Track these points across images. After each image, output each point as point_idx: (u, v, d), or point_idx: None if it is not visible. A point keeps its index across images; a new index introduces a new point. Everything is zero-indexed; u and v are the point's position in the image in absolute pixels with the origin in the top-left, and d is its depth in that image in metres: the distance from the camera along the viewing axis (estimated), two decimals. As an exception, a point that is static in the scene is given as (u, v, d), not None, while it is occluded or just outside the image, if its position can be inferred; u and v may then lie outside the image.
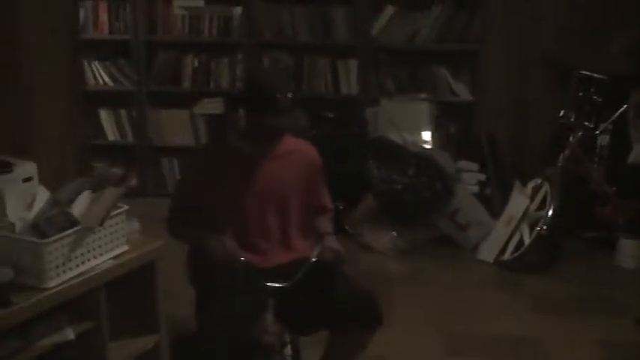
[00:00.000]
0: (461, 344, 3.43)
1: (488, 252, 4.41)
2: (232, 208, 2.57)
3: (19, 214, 2.10)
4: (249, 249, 2.54)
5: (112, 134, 5.36)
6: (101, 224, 2.14)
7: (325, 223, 2.73)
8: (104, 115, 5.32)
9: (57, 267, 2.02)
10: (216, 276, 2.46)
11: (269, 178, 2.59)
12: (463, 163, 4.83)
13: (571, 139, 4.41)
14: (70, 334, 2.12)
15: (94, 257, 2.16)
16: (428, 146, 4.82)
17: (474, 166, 4.83)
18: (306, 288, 2.46)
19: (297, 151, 2.66)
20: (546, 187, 4.35)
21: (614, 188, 4.35)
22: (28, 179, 2.19)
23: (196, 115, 5.28)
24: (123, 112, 5.32)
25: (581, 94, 4.45)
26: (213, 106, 5.25)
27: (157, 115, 5.30)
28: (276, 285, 2.41)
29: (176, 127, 5.31)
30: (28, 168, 2.19)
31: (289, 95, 2.44)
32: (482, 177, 4.80)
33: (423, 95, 4.98)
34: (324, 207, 2.78)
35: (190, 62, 5.23)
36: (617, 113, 4.34)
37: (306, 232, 2.72)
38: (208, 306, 2.40)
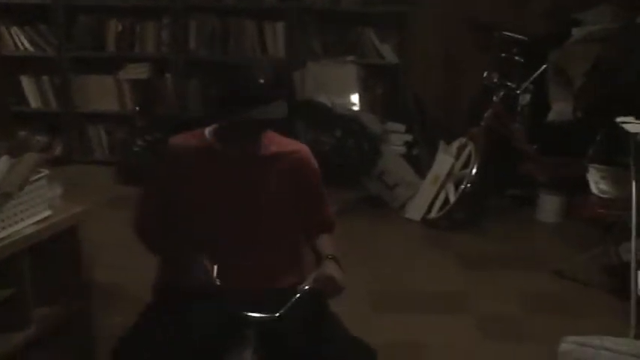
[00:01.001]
0: (390, 301, 3.52)
1: (415, 211, 4.52)
2: (203, 218, 2.20)
3: None
4: (225, 267, 2.06)
5: (34, 101, 5.23)
6: (21, 189, 2.11)
7: (326, 243, 2.24)
8: (26, 81, 5.18)
9: (-24, 233, 1.99)
10: (189, 301, 2.07)
11: (248, 186, 2.19)
12: (390, 125, 4.91)
13: (494, 99, 4.52)
14: (-9, 300, 2.10)
15: (15, 222, 2.13)
16: (355, 108, 4.87)
17: (401, 127, 4.92)
18: (293, 323, 2.06)
19: (285, 153, 2.21)
20: (470, 146, 4.47)
21: (535, 146, 4.53)
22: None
23: (121, 80, 5.19)
24: (45, 78, 5.18)
25: (503, 54, 4.56)
26: (138, 71, 5.17)
27: (81, 81, 5.19)
28: (259, 316, 2.00)
29: (101, 93, 5.22)
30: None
31: (273, 81, 2.03)
32: (409, 138, 4.90)
33: (349, 57, 5.02)
34: (323, 222, 2.31)
35: (114, 26, 5.12)
36: (537, 73, 4.48)
37: (299, 253, 2.32)
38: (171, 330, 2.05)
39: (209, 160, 2.18)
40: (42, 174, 2.24)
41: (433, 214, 4.46)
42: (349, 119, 4.61)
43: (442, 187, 4.51)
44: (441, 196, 4.50)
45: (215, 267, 2.03)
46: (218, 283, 2.00)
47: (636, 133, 3.20)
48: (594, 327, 2.60)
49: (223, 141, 2.18)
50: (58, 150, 5.21)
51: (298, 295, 2.03)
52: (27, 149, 2.24)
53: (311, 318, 2.13)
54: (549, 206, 4.46)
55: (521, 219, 4.52)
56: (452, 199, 4.42)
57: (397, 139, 4.89)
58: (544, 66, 4.44)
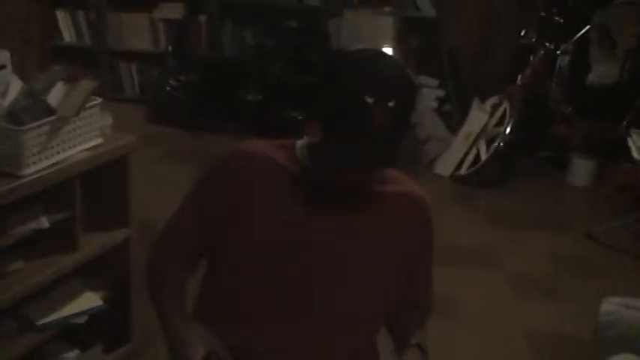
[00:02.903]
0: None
1: (445, 167, 4.51)
2: (253, 274, 1.55)
3: (-7, 102, 2.05)
4: (267, 346, 1.55)
5: (68, 36, 5.20)
6: (77, 114, 2.11)
7: (413, 326, 1.67)
8: (61, 15, 5.15)
9: (34, 155, 1.99)
10: None
11: (345, 237, 1.54)
12: (423, 79, 4.87)
13: (532, 58, 4.47)
14: (44, 222, 2.12)
15: (69, 148, 2.13)
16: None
17: (434, 82, 4.88)
18: None
19: (399, 197, 1.58)
20: (505, 104, 4.43)
21: (570, 108, 4.49)
22: (1, 67, 2.12)
23: (155, 19, 5.15)
24: (80, 13, 5.15)
25: (543, 13, 4.49)
26: (173, 11, 5.13)
27: (116, 17, 5.15)
28: None
29: (135, 31, 5.19)
30: (2, 56, 2.13)
31: (402, 116, 1.42)
32: (442, 93, 4.86)
33: (386, 9, 4.95)
34: (417, 304, 1.71)
35: (151, -36, 5.07)
36: (579, 34, 4.41)
37: (374, 339, 1.71)
38: None
39: (293, 190, 1.54)
40: (96, 102, 2.23)
41: (463, 171, 4.45)
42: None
43: (474, 144, 4.49)
44: (472, 153, 4.48)
45: None
46: None
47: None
48: (625, 292, 2.60)
49: (324, 165, 1.51)
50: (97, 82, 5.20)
51: None
52: (82, 77, 2.23)
53: None
54: (581, 170, 4.43)
55: (551, 181, 4.50)
56: (483, 156, 4.40)
57: (430, 93, 4.85)
58: (587, 27, 4.37)
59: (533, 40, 4.48)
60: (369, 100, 1.39)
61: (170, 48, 5.10)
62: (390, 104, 1.39)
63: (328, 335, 1.56)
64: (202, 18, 5.11)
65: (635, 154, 3.54)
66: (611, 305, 2.19)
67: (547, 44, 4.44)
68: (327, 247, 1.54)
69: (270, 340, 1.55)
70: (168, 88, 4.90)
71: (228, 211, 1.55)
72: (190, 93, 4.85)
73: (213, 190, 1.60)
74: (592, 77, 4.25)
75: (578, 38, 4.42)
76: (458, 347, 2.79)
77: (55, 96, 2.10)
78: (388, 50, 4.84)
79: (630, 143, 3.61)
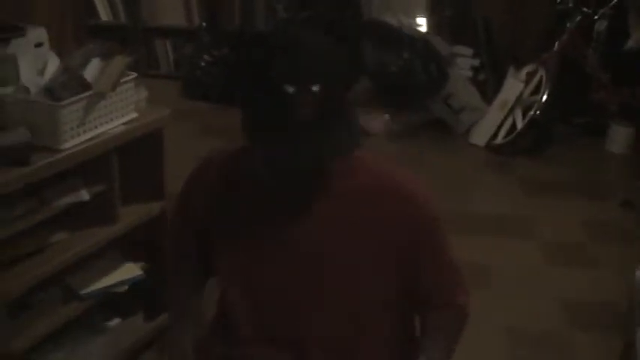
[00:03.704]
0: (451, 222, 3.53)
1: (480, 136, 4.49)
2: (241, 279, 1.50)
3: (32, 79, 2.10)
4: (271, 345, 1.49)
5: (104, 14, 5.27)
6: (113, 89, 2.16)
7: (435, 335, 1.52)
8: (96, -7, 5.22)
9: (72, 129, 2.05)
10: None
11: (311, 242, 1.43)
12: (457, 48, 4.83)
13: (568, 24, 4.40)
14: (84, 195, 2.18)
15: (106, 122, 2.19)
16: (423, 30, 4.80)
17: (469, 51, 4.84)
18: None
19: (379, 188, 1.43)
20: (541, 72, 4.38)
21: (608, 74, 4.41)
22: (39, 44, 2.18)
23: (189, -6, 5.20)
24: (115, -10, 5.22)
25: (581, -22, 4.41)
26: (206, -14, 5.17)
27: (150, -6, 5.21)
28: None
29: (169, 8, 5.24)
30: (40, 33, 2.18)
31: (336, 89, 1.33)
32: (477, 62, 4.82)
33: (420, -22, 4.92)
34: (432, 299, 1.52)
35: (183, -59, 5.10)
36: (617, -1, 4.33)
37: (393, 341, 1.54)
38: None
39: (256, 196, 1.45)
40: (131, 76, 2.28)
41: (499, 140, 4.42)
42: (417, 40, 4.54)
43: (510, 112, 4.45)
44: (508, 122, 4.44)
45: None
46: None
47: None
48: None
49: (272, 165, 1.38)
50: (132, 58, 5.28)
51: None
52: (117, 52, 2.27)
53: None
54: (619, 137, 4.37)
55: (589, 148, 4.45)
56: (519, 125, 4.36)
57: (464, 63, 4.81)
58: (625, -8, 4.28)
59: (570, 5, 4.40)
60: (290, 89, 1.28)
61: (204, 24, 5.14)
62: (315, 89, 1.27)
63: (327, 338, 1.46)
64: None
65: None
66: (646, 272, 2.19)
67: (584, 9, 4.36)
68: (299, 249, 1.42)
69: (268, 351, 1.48)
70: (202, 64, 4.94)
71: (202, 224, 1.53)
72: (224, 68, 4.89)
73: (185, 205, 1.61)
74: (631, 42, 4.18)
75: (617, 2, 4.33)
76: (493, 315, 2.80)
77: (90, 72, 2.15)
78: (422, 19, 4.82)
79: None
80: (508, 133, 4.41)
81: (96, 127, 2.16)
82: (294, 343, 1.46)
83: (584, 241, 3.44)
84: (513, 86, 4.50)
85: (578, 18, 4.36)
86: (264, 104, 1.31)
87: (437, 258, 1.49)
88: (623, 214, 3.68)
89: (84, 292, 2.28)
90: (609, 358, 2.38)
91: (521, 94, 4.45)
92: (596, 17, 4.38)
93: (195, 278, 1.65)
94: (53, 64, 2.19)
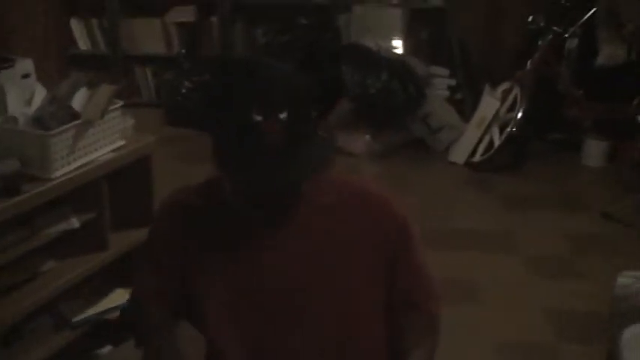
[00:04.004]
0: (434, 240, 3.58)
1: (459, 154, 4.57)
2: (218, 319, 1.49)
3: (20, 110, 2.13)
4: None
5: (83, 44, 5.30)
6: (101, 117, 2.20)
7: (414, 343, 1.53)
8: (75, 24, 5.25)
9: (62, 158, 2.08)
10: None
11: (288, 267, 1.45)
12: (434, 69, 4.92)
13: (540, 43, 4.51)
14: (75, 222, 2.21)
15: (95, 150, 2.22)
16: (400, 52, 4.89)
17: (445, 71, 4.94)
18: None
19: (348, 202, 1.47)
20: (516, 90, 4.48)
21: (581, 91, 4.52)
22: (26, 75, 2.22)
23: (168, 23, 5.24)
24: (94, 21, 5.25)
25: (550, -2, 4.53)
26: (185, 14, 5.22)
27: (129, 23, 5.24)
28: None
29: (148, 36, 5.28)
30: (27, 64, 2.22)
31: (305, 112, 1.36)
32: (453, 82, 4.91)
33: (394, 1, 5.02)
34: (411, 305, 1.54)
35: (160, -31, 5.16)
36: (586, 17, 4.44)
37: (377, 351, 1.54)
38: None
39: (228, 227, 1.47)
40: (118, 104, 2.32)
41: (477, 157, 4.50)
42: (395, 62, 4.62)
43: (487, 130, 4.54)
44: (486, 140, 4.53)
45: None
46: None
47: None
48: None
49: (241, 203, 1.41)
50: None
51: None
52: (102, 81, 2.31)
53: None
54: (594, 150, 4.47)
55: (565, 163, 4.54)
56: (497, 142, 4.45)
57: (441, 83, 4.91)
58: (594, 9, 4.40)
59: (542, 24, 4.50)
60: (257, 117, 1.29)
61: (183, 51, 5.19)
62: (282, 116, 1.30)
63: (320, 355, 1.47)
64: (214, 19, 5.19)
65: (646, 132, 3.58)
66: (626, 279, 2.24)
67: (555, 28, 4.47)
68: (282, 277, 1.44)
69: None
70: (183, 90, 4.98)
71: (180, 270, 1.50)
72: (204, 94, 4.93)
73: (157, 251, 1.55)
74: (601, 59, 4.28)
75: (586, 21, 4.45)
76: (480, 328, 2.85)
77: (78, 101, 2.19)
78: (398, 41, 4.91)
79: (640, 121, 3.65)
80: (486, 150, 4.49)
81: (85, 155, 2.19)
82: None
83: (566, 253, 3.50)
84: (490, 104, 4.59)
85: (550, 37, 4.47)
86: (233, 131, 1.32)
87: (413, 261, 1.53)
88: (603, 226, 3.76)
89: (75, 319, 2.29)
90: (594, 366, 2.43)
91: (497, 111, 4.54)
92: (566, 35, 4.49)
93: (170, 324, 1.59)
94: (40, 94, 2.23)
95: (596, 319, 2.85)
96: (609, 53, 4.24)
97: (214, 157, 1.39)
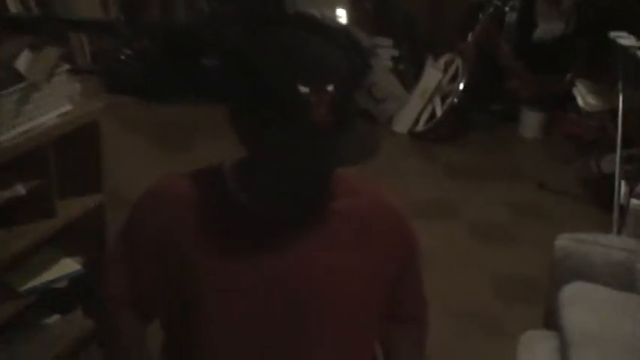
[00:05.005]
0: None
1: (402, 124, 4.62)
2: (210, 320, 1.34)
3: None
4: None
5: (14, 6, 5.09)
6: (47, 80, 2.12)
7: (407, 349, 1.53)
8: (4, -16, 5.03)
9: (6, 122, 2.01)
10: None
11: (299, 268, 1.32)
12: (378, 39, 4.94)
13: (481, 16, 4.58)
14: (20, 190, 2.13)
15: (41, 114, 2.14)
16: (344, 22, 4.88)
17: (388, 42, 4.96)
18: None
19: (361, 208, 1.37)
20: (458, 61, 4.55)
21: (520, 63, 4.63)
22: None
23: (104, -14, 5.09)
24: (25, -19, 5.05)
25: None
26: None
27: (64, -15, 5.07)
28: None
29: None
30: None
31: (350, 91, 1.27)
32: (396, 53, 4.95)
33: (339, -30, 5.00)
34: (410, 317, 1.54)
35: None
36: (525, -10, 4.53)
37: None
38: None
39: (231, 224, 1.32)
40: (63, 67, 2.25)
41: (420, 127, 4.56)
42: (340, 31, 4.60)
43: (429, 101, 4.60)
44: (428, 110, 4.59)
45: None
46: None
47: (628, 47, 3.30)
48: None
49: (257, 198, 1.30)
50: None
51: None
52: (46, 44, 2.24)
53: None
54: (531, 122, 4.59)
55: (504, 134, 4.66)
56: (439, 112, 4.52)
57: (384, 53, 4.93)
58: (532, -17, 4.49)
59: (482, -3, 4.57)
60: (303, 89, 1.14)
61: (121, 16, 5.05)
62: (330, 89, 1.16)
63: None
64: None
65: (580, 103, 3.70)
66: (564, 241, 2.34)
67: (495, 2, 4.54)
68: (289, 281, 1.31)
69: None
70: (122, 57, 4.86)
71: (157, 265, 1.34)
72: (145, 61, 4.83)
73: (136, 246, 1.38)
74: (539, 32, 4.39)
75: (524, -6, 4.54)
76: (428, 293, 2.90)
77: (22, 63, 2.11)
78: (343, 12, 4.90)
79: (576, 93, 3.76)
80: (428, 120, 4.56)
81: (30, 120, 2.11)
82: None
83: (506, 219, 3.61)
84: (432, 75, 4.65)
85: (491, 10, 4.54)
86: (271, 106, 1.16)
87: (417, 275, 1.51)
88: (539, 195, 3.88)
89: (22, 289, 2.23)
90: (534, 326, 2.51)
91: (439, 82, 4.60)
92: (506, 9, 4.57)
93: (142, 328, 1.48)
94: (-19, 57, 2.13)
95: (536, 281, 2.95)
96: (546, 27, 4.34)
97: (241, 132, 1.22)
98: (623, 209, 3.24)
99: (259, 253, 1.31)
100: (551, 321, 2.25)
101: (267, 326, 1.32)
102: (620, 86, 3.45)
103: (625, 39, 3.35)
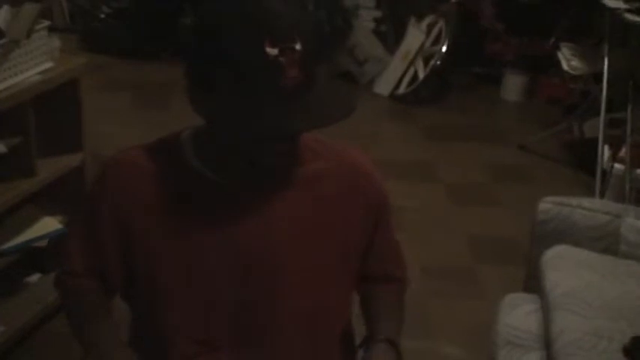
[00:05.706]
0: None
1: (384, 86, 4.61)
2: (179, 292, 1.33)
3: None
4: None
5: (-10, -38, 4.98)
6: (28, 37, 2.09)
7: (385, 311, 1.48)
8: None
9: (-14, 79, 1.99)
10: None
11: (265, 236, 1.31)
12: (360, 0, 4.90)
13: (465, -24, 4.55)
14: (1, 147, 2.12)
15: (21, 72, 2.13)
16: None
17: (371, 2, 4.91)
18: None
19: (331, 170, 1.37)
20: (441, 23, 4.53)
21: (503, 26, 4.62)
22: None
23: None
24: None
25: None
26: None
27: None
28: None
29: (62, -44, 5.01)
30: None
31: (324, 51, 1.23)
32: (379, 14, 4.91)
33: None
34: (388, 278, 1.53)
35: None
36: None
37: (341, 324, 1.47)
38: None
39: (189, 193, 1.31)
40: (44, 24, 2.21)
41: (402, 90, 4.55)
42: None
43: (412, 63, 4.58)
44: (410, 72, 4.57)
45: None
46: None
47: (615, 8, 3.29)
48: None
49: (218, 169, 1.29)
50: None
51: None
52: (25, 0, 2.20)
53: None
54: (514, 85, 4.59)
55: (486, 96, 4.65)
56: (421, 75, 4.51)
57: (366, 14, 4.89)
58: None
59: (466, -42, 4.54)
60: (271, 50, 1.08)
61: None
62: (298, 47, 1.10)
63: (287, 340, 1.36)
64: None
65: (564, 66, 3.70)
66: (547, 204, 2.35)
67: (479, -38, 4.52)
68: (257, 243, 1.29)
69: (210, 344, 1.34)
70: (101, 16, 4.79)
71: (120, 237, 1.31)
72: (124, 20, 4.75)
73: (98, 217, 1.33)
74: (523, -6, 4.38)
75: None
76: (407, 253, 2.93)
77: (3, 19, 2.08)
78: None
79: (560, 56, 3.76)
80: (410, 83, 4.54)
81: (10, 77, 2.10)
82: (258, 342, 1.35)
83: (486, 182, 3.64)
84: (415, 37, 4.62)
85: (474, -30, 4.51)
86: (238, 69, 1.10)
87: (388, 235, 1.50)
88: (519, 157, 3.91)
89: (2, 248, 2.23)
90: (513, 288, 2.56)
91: (422, 44, 4.58)
92: (490, -30, 4.55)
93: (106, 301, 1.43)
94: (-41, 12, 2.10)
95: (516, 244, 2.99)
96: (531, -12, 4.33)
97: (198, 100, 1.19)
98: (606, 173, 3.27)
99: (218, 221, 1.29)
100: (531, 284, 2.28)
101: (229, 293, 1.32)
102: (605, 50, 3.45)
103: (612, 0, 3.33)
